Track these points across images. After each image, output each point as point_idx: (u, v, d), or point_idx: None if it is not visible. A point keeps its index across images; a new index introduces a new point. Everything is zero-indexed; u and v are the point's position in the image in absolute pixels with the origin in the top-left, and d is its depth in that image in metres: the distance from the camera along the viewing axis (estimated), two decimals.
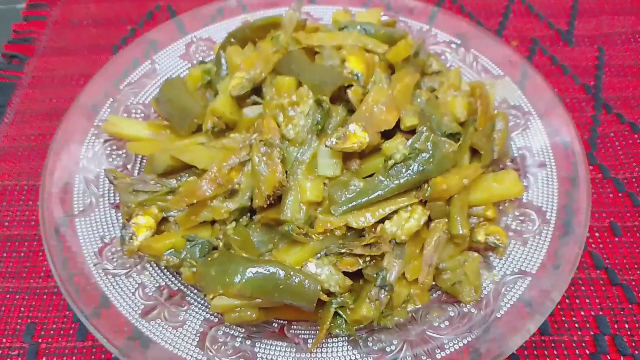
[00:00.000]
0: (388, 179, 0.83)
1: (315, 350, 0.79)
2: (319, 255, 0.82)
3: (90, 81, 1.08)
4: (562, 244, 0.86)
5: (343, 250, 0.81)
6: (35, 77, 1.29)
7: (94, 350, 0.88)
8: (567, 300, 0.93)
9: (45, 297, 0.94)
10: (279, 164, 0.84)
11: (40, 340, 0.89)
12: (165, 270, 0.88)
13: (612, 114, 1.21)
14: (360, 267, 0.82)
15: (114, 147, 1.02)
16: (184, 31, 1.20)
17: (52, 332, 0.90)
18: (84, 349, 0.88)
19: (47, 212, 0.89)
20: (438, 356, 0.76)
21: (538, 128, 1.03)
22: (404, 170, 0.83)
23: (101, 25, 1.42)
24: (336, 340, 0.81)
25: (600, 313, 0.92)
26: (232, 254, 0.81)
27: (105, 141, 1.01)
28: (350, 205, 0.82)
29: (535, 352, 0.88)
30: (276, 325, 0.84)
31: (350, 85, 0.89)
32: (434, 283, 0.86)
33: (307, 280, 0.77)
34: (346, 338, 0.81)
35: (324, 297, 0.79)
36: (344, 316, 0.80)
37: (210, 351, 0.78)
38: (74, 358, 0.87)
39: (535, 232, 0.89)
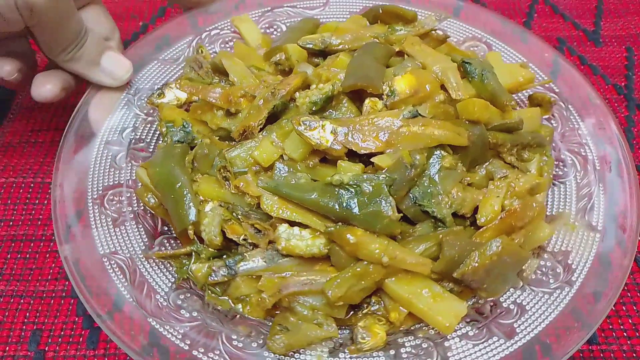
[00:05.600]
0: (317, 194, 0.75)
1: None
2: None
3: None
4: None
5: None
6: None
7: (106, 359, 0.81)
8: (613, 308, 0.87)
9: (52, 301, 0.87)
10: (263, 112, 0.83)
11: (46, 349, 0.81)
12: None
13: None
14: None
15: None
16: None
17: (59, 339, 0.82)
18: (95, 358, 0.81)
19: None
20: None
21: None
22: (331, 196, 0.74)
23: None
24: None
25: None
26: None
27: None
28: (273, 187, 0.77)
29: None
30: None
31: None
32: None
33: None
34: None
35: None
36: None
37: None
38: None
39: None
